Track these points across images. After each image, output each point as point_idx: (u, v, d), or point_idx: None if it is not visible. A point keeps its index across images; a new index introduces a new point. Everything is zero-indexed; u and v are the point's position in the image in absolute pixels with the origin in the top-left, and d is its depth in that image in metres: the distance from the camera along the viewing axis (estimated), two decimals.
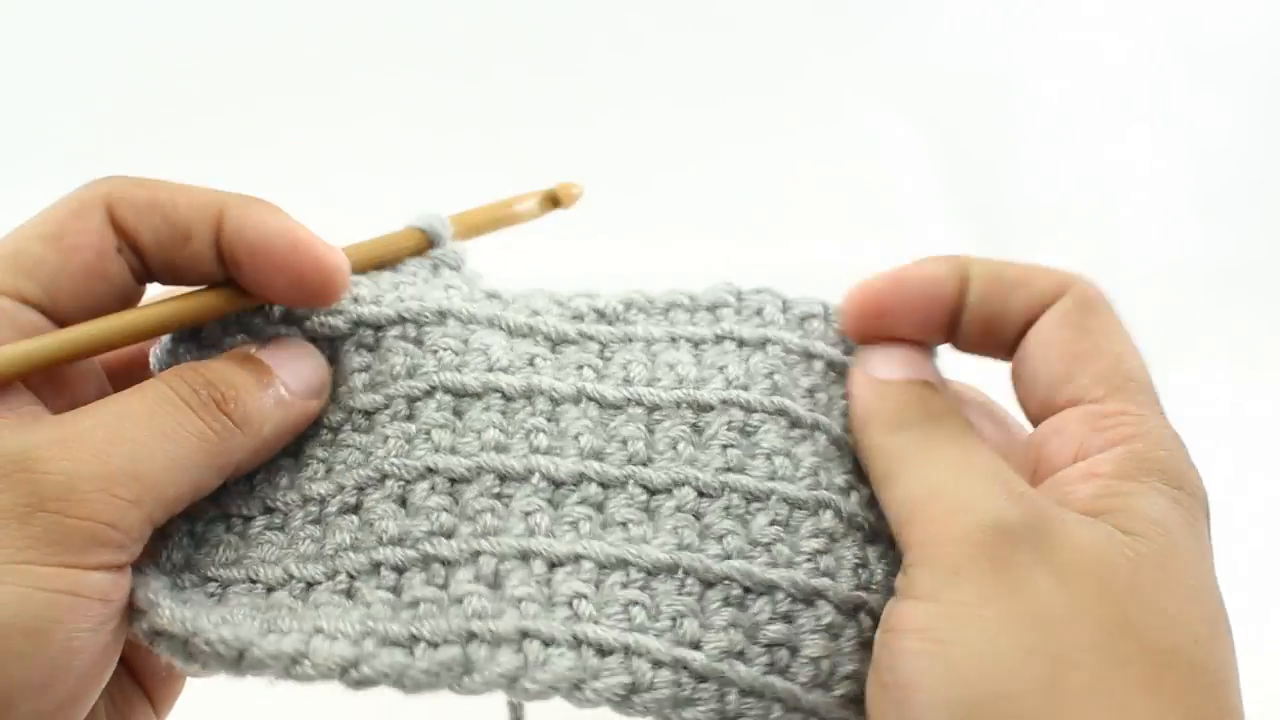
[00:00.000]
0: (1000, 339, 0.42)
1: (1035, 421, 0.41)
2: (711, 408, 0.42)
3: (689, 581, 0.39)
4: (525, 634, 0.37)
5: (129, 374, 0.43)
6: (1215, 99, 1.12)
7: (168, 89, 1.04)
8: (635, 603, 0.38)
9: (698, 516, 0.40)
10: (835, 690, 0.39)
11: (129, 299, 0.41)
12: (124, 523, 0.35)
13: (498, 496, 0.40)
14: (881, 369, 0.42)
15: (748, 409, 0.42)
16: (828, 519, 0.40)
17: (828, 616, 0.39)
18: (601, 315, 0.45)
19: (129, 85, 1.04)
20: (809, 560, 0.39)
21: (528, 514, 0.39)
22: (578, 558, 0.39)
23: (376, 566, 0.40)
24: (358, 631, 0.37)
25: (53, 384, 0.39)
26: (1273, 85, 1.12)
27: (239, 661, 0.36)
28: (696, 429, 0.41)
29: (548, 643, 0.37)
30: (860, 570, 0.40)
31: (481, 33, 1.07)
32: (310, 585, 0.40)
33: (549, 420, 0.41)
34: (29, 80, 1.05)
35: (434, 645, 0.37)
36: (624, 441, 0.41)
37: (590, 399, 0.42)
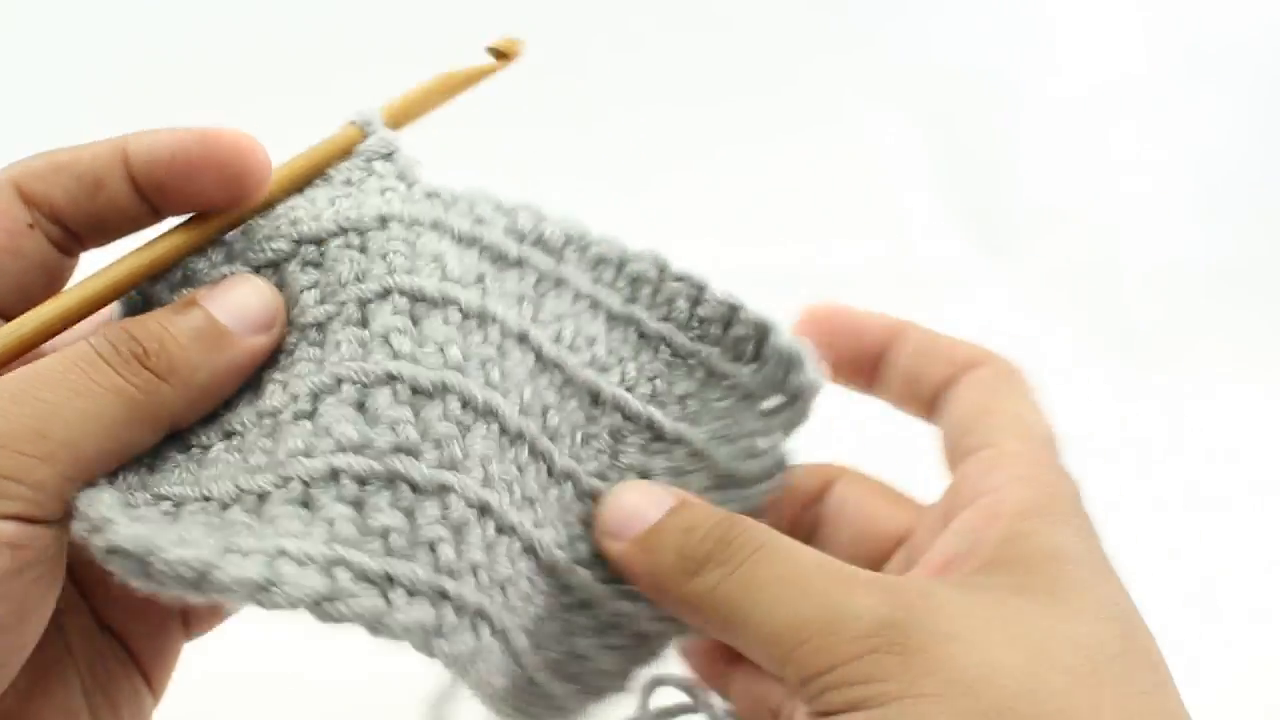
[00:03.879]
0: (916, 394, 0.47)
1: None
2: (603, 404, 0.43)
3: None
4: (481, 614, 0.37)
5: None
6: (1215, 99, 1.12)
7: (167, 89, 1.04)
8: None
9: (563, 511, 0.41)
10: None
11: (55, 272, 0.41)
12: (30, 478, 0.35)
13: (458, 424, 0.38)
14: (625, 526, 0.41)
15: (625, 415, 0.43)
16: None
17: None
18: (540, 241, 0.44)
19: (128, 85, 1.04)
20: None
21: (484, 459, 0.39)
22: (512, 530, 0.39)
23: (335, 474, 0.37)
24: (326, 559, 0.35)
25: None
26: (1273, 85, 1.12)
27: (201, 583, 0.34)
28: (589, 419, 0.43)
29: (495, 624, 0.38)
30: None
31: (480, 31, 1.07)
32: (262, 497, 0.37)
33: (498, 353, 0.40)
34: (29, 80, 1.05)
35: (410, 594, 0.35)
36: (544, 410, 0.41)
37: (531, 347, 0.41)
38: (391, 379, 0.38)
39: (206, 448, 0.40)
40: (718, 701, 0.49)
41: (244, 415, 0.40)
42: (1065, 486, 0.41)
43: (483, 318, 0.40)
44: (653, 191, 1.03)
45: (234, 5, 1.07)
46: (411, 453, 0.37)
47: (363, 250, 0.41)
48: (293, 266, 0.41)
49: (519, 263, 0.43)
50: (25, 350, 0.39)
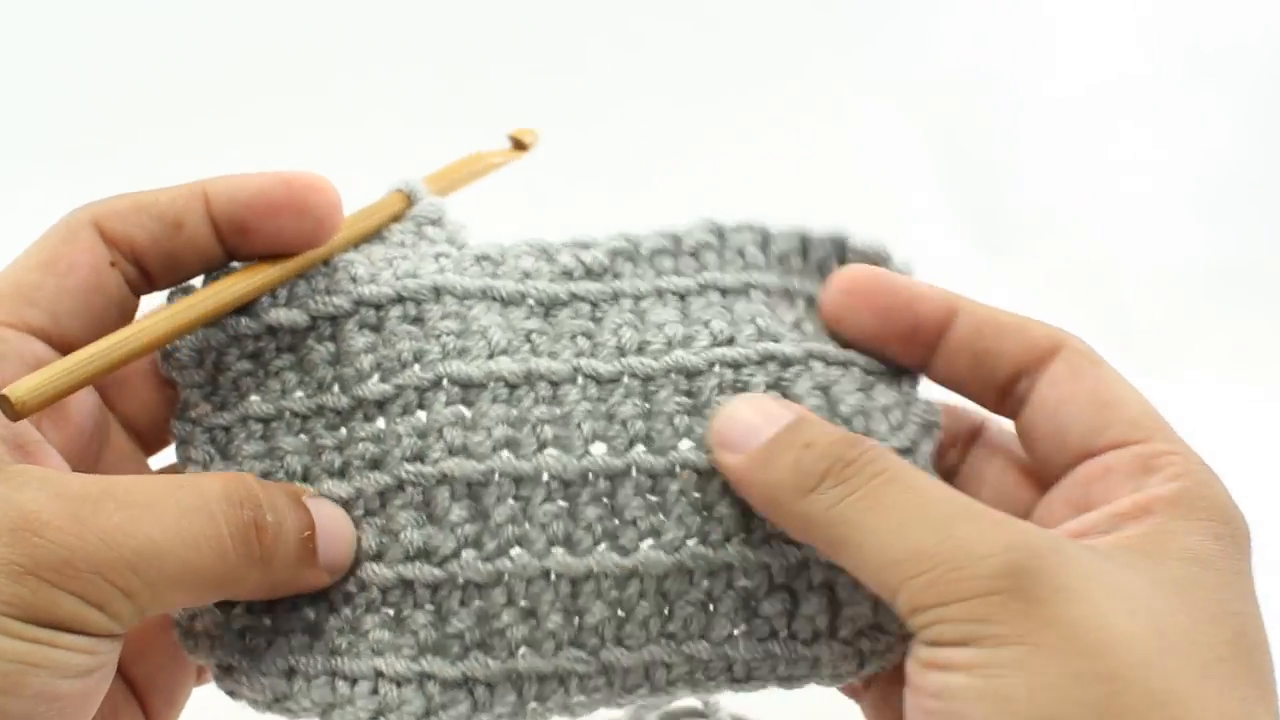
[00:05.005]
0: (987, 378, 0.43)
1: (1062, 470, 0.42)
2: (700, 372, 0.42)
3: (697, 577, 0.41)
4: (561, 677, 0.41)
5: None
6: (1215, 99, 1.12)
7: (166, 88, 1.04)
8: (662, 613, 0.41)
9: (702, 495, 0.41)
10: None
11: (128, 312, 0.42)
12: (112, 607, 0.36)
13: (514, 501, 0.41)
14: (742, 439, 0.40)
15: (735, 366, 0.42)
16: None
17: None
18: (589, 271, 0.44)
19: (127, 85, 1.04)
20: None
21: (545, 524, 0.41)
22: (595, 576, 0.41)
23: (408, 585, 0.41)
24: (416, 674, 0.40)
25: (51, 411, 0.39)
26: (1273, 85, 1.12)
27: (319, 715, 0.41)
28: (690, 394, 0.42)
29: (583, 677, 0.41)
30: None
31: (479, 30, 1.07)
32: (348, 597, 0.42)
33: (551, 404, 0.42)
34: (28, 80, 1.05)
35: (489, 688, 0.40)
36: (624, 423, 0.42)
37: (588, 376, 0.42)
38: (446, 479, 0.41)
39: None
40: (724, 706, 0.49)
41: (306, 488, 0.43)
42: (1217, 494, 0.40)
43: (529, 380, 0.42)
44: (652, 192, 1.03)
45: (232, 4, 1.07)
46: (474, 546, 0.41)
47: (418, 322, 0.43)
48: (350, 325, 0.43)
49: (569, 300, 0.44)
50: (90, 380, 0.39)
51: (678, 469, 0.41)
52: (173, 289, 0.43)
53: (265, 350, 0.43)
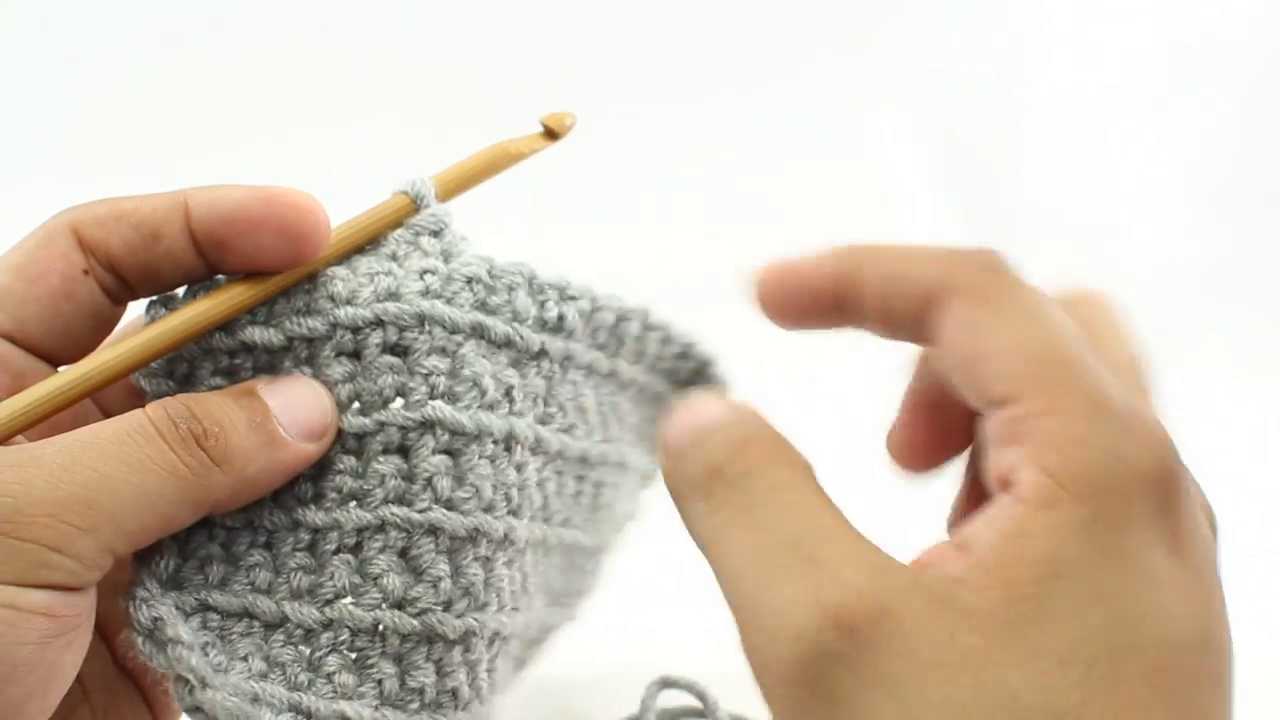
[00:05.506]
0: (895, 323, 0.37)
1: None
2: (590, 463, 0.47)
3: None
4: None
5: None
6: (1215, 99, 1.12)
7: (165, 88, 1.04)
8: None
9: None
10: None
11: (105, 320, 0.41)
12: (72, 548, 0.35)
13: (485, 562, 0.41)
14: (673, 428, 0.36)
15: (598, 463, 0.47)
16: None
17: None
18: (560, 328, 0.43)
19: (127, 85, 1.04)
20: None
21: (499, 589, 0.42)
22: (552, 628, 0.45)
23: (379, 631, 0.40)
24: None
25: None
26: (1273, 85, 1.12)
27: None
28: (577, 480, 0.47)
29: None
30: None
31: (477, 29, 1.07)
32: (309, 633, 0.40)
33: (517, 473, 0.42)
34: (28, 80, 1.05)
35: None
36: (549, 504, 0.45)
37: (542, 452, 0.43)
38: (435, 530, 0.40)
39: (231, 530, 0.41)
40: (724, 705, 0.49)
41: (272, 514, 0.41)
42: (1094, 453, 0.31)
43: (509, 442, 0.41)
44: (651, 192, 1.03)
45: (231, 4, 1.07)
46: (448, 606, 0.40)
47: (401, 354, 0.41)
48: (327, 350, 0.41)
49: (540, 354, 0.43)
50: (71, 403, 0.38)
51: (573, 553, 0.47)
52: (151, 300, 0.42)
53: (240, 368, 0.42)
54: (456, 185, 0.45)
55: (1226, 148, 1.11)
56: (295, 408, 0.40)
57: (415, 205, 0.44)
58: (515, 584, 0.42)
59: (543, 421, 0.43)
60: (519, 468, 0.42)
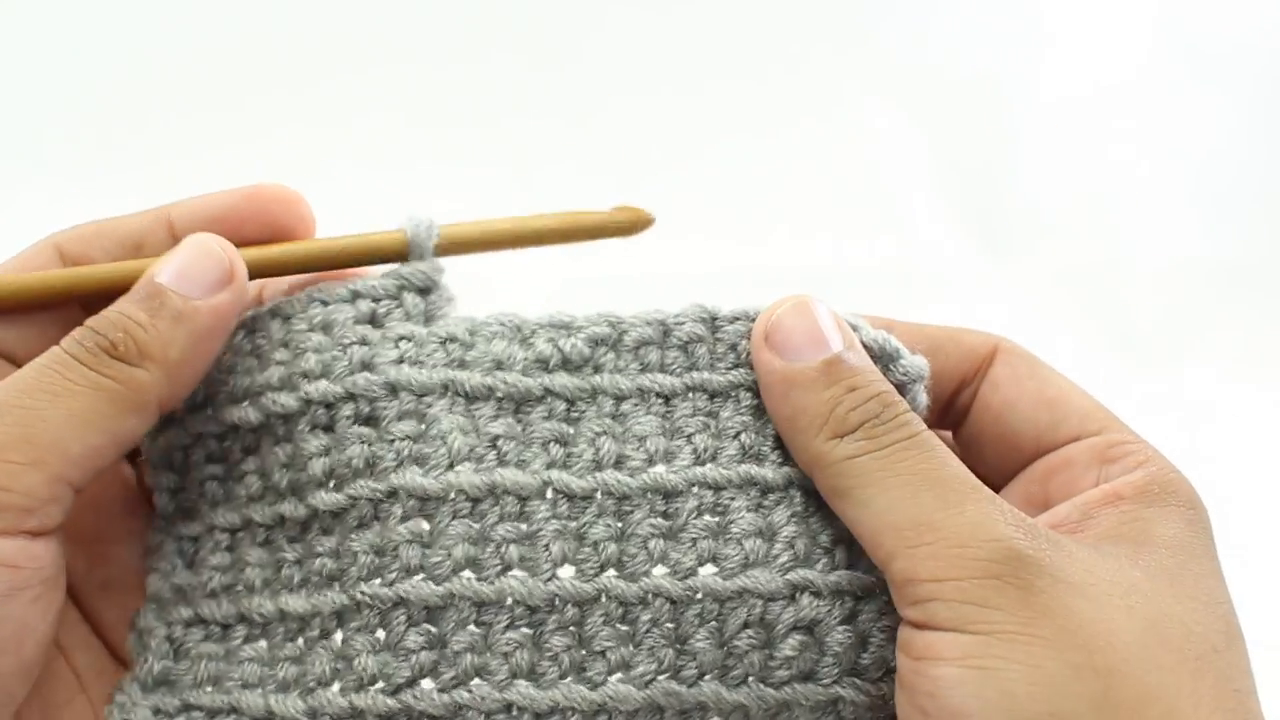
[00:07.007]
0: (934, 396, 0.42)
1: (1012, 471, 0.43)
2: (679, 493, 0.40)
3: (668, 715, 0.39)
4: None
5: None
6: (1215, 99, 1.12)
7: (165, 89, 1.04)
8: None
9: (675, 626, 0.39)
10: None
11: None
12: (20, 485, 0.36)
13: (474, 627, 0.39)
14: (790, 347, 0.39)
15: (716, 488, 0.40)
16: (806, 604, 0.39)
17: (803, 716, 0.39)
18: (567, 362, 0.41)
19: (127, 85, 1.04)
20: (783, 667, 0.39)
21: (507, 654, 0.39)
22: (561, 710, 0.38)
23: (360, 715, 0.39)
24: None
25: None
26: (1273, 85, 1.12)
27: None
28: (667, 516, 0.40)
29: None
30: (848, 652, 0.39)
31: (478, 28, 1.07)
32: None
33: (518, 520, 0.39)
34: (27, 80, 1.05)
35: None
36: (595, 545, 0.39)
37: (559, 492, 0.40)
38: (403, 603, 0.39)
39: (226, 627, 0.41)
40: None
41: (262, 603, 0.41)
42: (1181, 480, 0.40)
43: (493, 493, 0.39)
44: (651, 192, 1.03)
45: (231, 3, 1.07)
46: (431, 675, 0.38)
47: (372, 422, 0.40)
48: (302, 426, 0.41)
49: (543, 397, 0.41)
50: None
51: (650, 597, 0.39)
52: None
53: (231, 451, 0.42)
54: (476, 242, 0.43)
55: (1227, 148, 1.11)
56: (189, 272, 0.39)
57: (408, 246, 0.42)
58: (542, 648, 0.39)
59: (564, 465, 0.40)
60: (517, 518, 0.39)
